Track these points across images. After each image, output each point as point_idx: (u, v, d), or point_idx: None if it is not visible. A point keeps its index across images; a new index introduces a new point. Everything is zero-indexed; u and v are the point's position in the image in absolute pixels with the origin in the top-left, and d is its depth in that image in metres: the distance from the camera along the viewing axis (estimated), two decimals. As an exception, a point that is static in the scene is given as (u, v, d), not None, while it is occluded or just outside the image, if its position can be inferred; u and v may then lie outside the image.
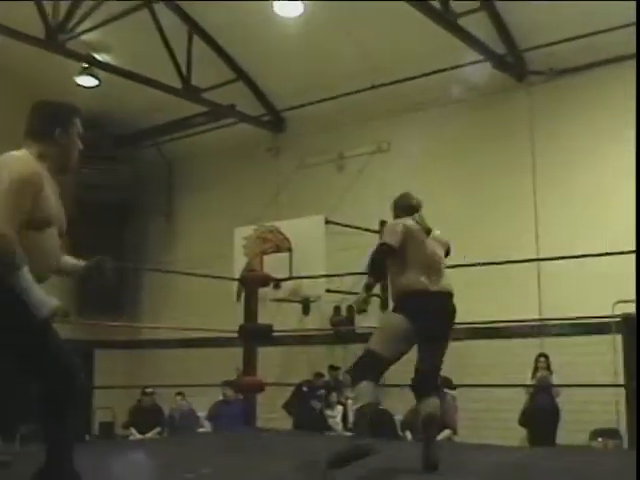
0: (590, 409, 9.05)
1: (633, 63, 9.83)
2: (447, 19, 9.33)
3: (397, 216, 4.80)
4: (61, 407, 2.97)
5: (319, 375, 10.74)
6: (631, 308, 9.42)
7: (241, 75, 12.45)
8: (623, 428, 9.46)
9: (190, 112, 12.69)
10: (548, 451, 7.42)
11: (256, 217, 11.40)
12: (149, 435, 11.00)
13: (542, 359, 9.38)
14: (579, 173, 10.16)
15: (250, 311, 7.59)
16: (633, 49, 9.80)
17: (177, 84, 11.41)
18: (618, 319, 9.58)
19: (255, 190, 12.65)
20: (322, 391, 10.33)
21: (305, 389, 10.36)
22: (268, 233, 10.79)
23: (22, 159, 2.98)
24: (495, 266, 7.29)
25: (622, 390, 9.58)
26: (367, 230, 10.86)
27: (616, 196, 9.73)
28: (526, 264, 8.46)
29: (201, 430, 10.85)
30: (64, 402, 2.98)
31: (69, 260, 3.38)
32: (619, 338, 9.72)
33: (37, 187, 2.92)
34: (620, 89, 9.84)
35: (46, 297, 2.85)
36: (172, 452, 5.73)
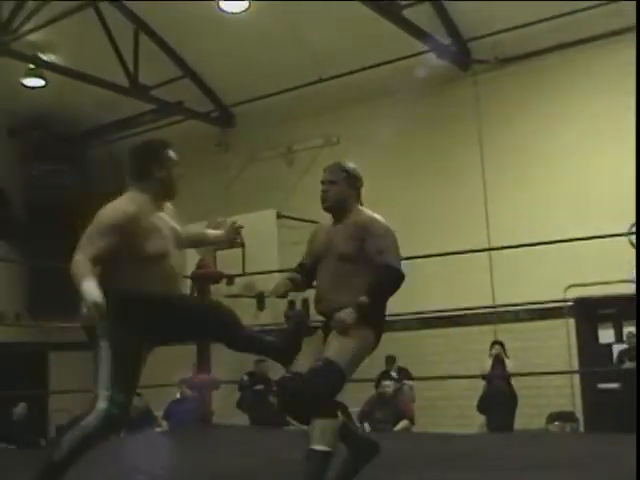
0: (546, 393, 8.98)
1: (575, 49, 9.81)
2: (392, 11, 9.18)
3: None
4: None
5: (261, 362, 10.42)
6: (583, 292, 9.40)
7: (188, 72, 12.17)
8: (579, 411, 9.44)
9: (138, 110, 12.36)
10: (507, 436, 7.32)
11: (207, 213, 11.10)
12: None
13: (497, 346, 9.26)
14: (527, 159, 10.10)
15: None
16: (575, 36, 9.81)
17: (124, 82, 11.08)
18: (571, 303, 9.56)
19: (206, 186, 12.36)
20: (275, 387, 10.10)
21: (248, 382, 10.17)
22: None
23: (115, 205, 3.36)
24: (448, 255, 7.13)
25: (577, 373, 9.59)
26: (319, 223, 10.63)
27: (566, 180, 9.67)
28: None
29: (158, 429, 10.56)
30: None
31: None
32: (572, 322, 9.71)
33: (125, 227, 3.27)
34: (564, 74, 9.82)
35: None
36: (128, 452, 5.50)
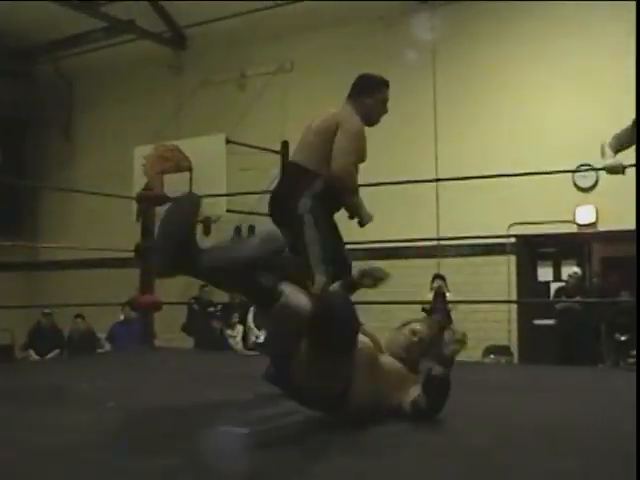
0: (484, 327, 9.02)
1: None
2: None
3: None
4: None
5: (205, 287, 10.30)
6: (525, 230, 9.42)
7: (141, -10, 11.68)
8: (514, 345, 9.56)
9: (89, 27, 11.88)
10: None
11: (156, 135, 10.81)
12: (48, 357, 10.51)
13: (438, 279, 9.25)
14: (479, 94, 9.97)
15: (147, 230, 7.15)
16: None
17: (75, -2, 10.64)
18: (513, 240, 9.58)
19: (156, 108, 12.04)
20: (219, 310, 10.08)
21: (196, 307, 10.09)
22: (168, 152, 10.19)
23: (355, 116, 3.95)
24: (394, 186, 7.02)
25: (514, 308, 9.66)
26: (268, 150, 10.48)
27: (517, 117, 9.60)
28: (425, 185, 8.20)
29: (100, 351, 10.44)
30: None
31: None
32: (513, 259, 9.75)
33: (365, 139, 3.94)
34: (521, 13, 9.68)
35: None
36: (69, 372, 5.38)
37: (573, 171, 8.57)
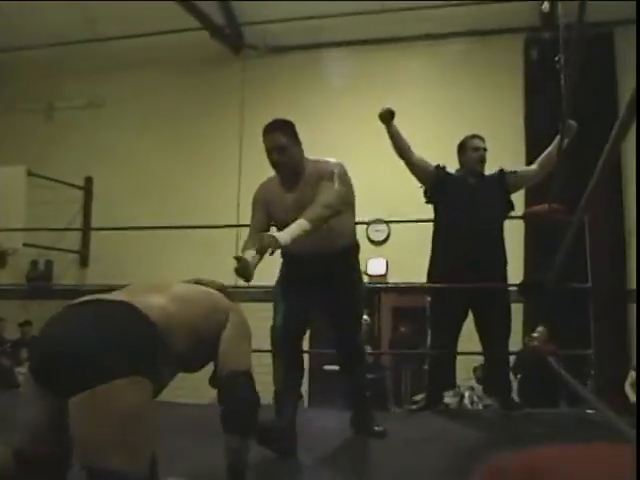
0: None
1: (344, 49, 9.99)
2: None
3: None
4: None
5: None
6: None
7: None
8: (304, 389, 9.65)
9: None
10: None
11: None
12: None
13: None
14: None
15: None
16: (346, 36, 9.99)
17: None
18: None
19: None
20: (9, 348, 9.52)
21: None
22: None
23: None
24: (194, 231, 6.97)
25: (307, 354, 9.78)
26: (71, 185, 10.18)
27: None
28: (226, 231, 8.18)
29: None
30: None
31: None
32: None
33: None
34: (330, 71, 9.97)
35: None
36: None
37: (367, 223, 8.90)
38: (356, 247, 3.83)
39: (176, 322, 2.35)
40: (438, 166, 5.00)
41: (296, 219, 3.27)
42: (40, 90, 11.19)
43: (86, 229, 10.37)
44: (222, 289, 2.75)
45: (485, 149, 4.94)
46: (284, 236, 3.16)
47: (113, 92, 10.86)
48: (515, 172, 4.94)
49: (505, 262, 4.88)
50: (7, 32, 10.81)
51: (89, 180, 10.69)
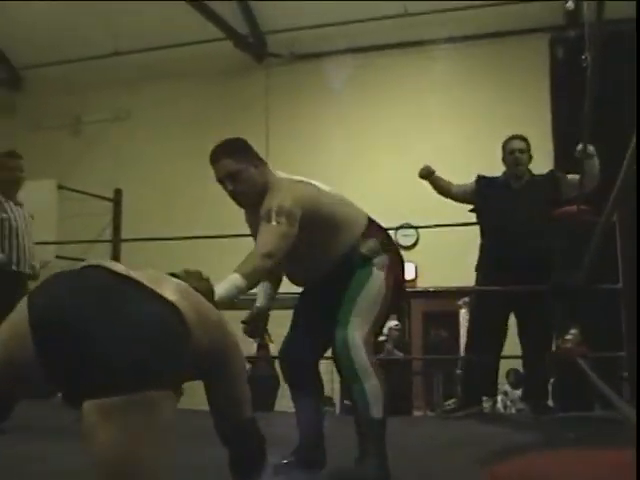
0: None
1: (366, 55, 9.97)
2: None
3: None
4: None
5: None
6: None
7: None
8: (337, 396, 9.62)
9: None
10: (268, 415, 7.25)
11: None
12: None
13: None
14: (311, 155, 10.11)
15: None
16: (368, 42, 9.97)
17: None
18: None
19: (-15, 149, 11.41)
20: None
21: None
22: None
23: None
24: (223, 239, 6.98)
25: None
26: (101, 197, 10.25)
27: (346, 177, 9.75)
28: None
29: None
30: None
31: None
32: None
33: None
34: (354, 77, 9.94)
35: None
36: None
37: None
38: (352, 253, 2.98)
39: (195, 327, 1.95)
40: (478, 178, 5.00)
41: None
42: (66, 105, 11.31)
43: (116, 240, 10.41)
44: (209, 288, 2.38)
45: (522, 150, 4.86)
46: (218, 291, 2.52)
47: (138, 104, 10.93)
48: (565, 174, 4.84)
49: (549, 264, 4.78)
50: (30, 49, 10.95)
51: (118, 192, 10.74)
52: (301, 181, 3.04)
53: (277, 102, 10.30)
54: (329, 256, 2.98)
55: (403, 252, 9.59)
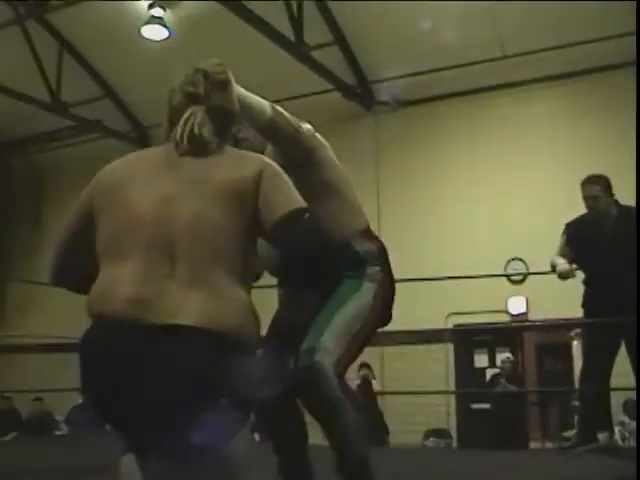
0: (424, 411, 9.14)
1: (468, 98, 10.18)
2: (302, 52, 9.40)
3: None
4: None
5: None
6: (462, 319, 9.70)
7: (109, 92, 12.13)
8: (453, 428, 9.72)
9: (58, 126, 12.15)
10: (379, 451, 7.39)
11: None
12: (6, 439, 10.37)
13: (364, 368, 9.16)
14: (420, 199, 10.33)
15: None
16: (469, 86, 10.20)
17: (46, 98, 10.92)
18: (450, 329, 9.86)
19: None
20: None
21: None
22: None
23: None
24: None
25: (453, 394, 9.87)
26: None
27: (454, 223, 9.92)
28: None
29: (58, 433, 10.37)
30: None
31: None
32: (451, 347, 9.99)
33: None
34: (459, 120, 10.13)
35: None
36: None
37: (506, 275, 8.97)
38: (346, 252, 2.63)
39: None
40: (566, 226, 5.08)
41: None
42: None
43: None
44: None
45: (595, 197, 4.86)
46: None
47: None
48: None
49: None
50: (157, 107, 11.66)
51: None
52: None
53: (387, 147, 10.62)
54: (325, 232, 2.56)
55: (513, 286, 9.71)
